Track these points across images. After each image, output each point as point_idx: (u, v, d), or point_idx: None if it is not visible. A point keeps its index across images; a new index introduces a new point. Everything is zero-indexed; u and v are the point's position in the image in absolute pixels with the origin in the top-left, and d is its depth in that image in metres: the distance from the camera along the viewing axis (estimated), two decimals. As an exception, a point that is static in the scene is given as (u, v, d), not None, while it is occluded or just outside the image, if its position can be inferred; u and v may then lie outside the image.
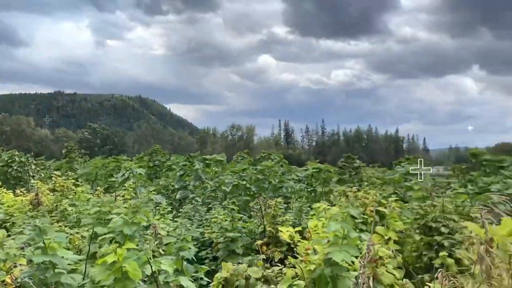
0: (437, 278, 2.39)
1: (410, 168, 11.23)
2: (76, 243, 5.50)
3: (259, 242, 6.49)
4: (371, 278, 3.35)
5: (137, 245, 3.14)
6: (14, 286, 3.52)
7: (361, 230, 5.51)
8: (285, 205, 8.73)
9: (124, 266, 2.79)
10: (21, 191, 9.70)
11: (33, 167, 15.39)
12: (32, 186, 11.62)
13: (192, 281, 3.02)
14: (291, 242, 3.58)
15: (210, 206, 10.91)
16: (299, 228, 3.65)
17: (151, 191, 10.09)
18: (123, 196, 8.96)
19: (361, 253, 3.12)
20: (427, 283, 3.43)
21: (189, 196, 12.94)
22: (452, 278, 2.29)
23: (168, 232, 4.03)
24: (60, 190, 9.49)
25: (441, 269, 2.41)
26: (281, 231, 3.62)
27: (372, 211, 5.83)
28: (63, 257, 3.50)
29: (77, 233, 5.75)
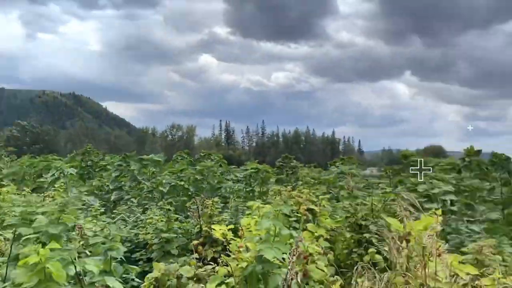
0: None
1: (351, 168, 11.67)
2: (-1, 245, 5.17)
3: (194, 242, 6.44)
4: (302, 275, 3.44)
5: (63, 246, 3.01)
6: None
7: (295, 228, 5.64)
8: (223, 205, 8.75)
9: (48, 267, 2.67)
10: None
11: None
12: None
13: (120, 282, 2.94)
14: (224, 240, 3.58)
15: (146, 207, 10.70)
16: (232, 226, 3.66)
17: (82, 192, 9.71)
18: (52, 197, 8.55)
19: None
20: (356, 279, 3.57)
21: (125, 197, 12.61)
22: (372, 272, 2.41)
23: (95, 232, 3.90)
24: (-18, 191, 8.87)
25: (361, 264, 2.52)
26: (214, 229, 3.61)
27: (305, 210, 5.99)
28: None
29: (0, 235, 5.42)
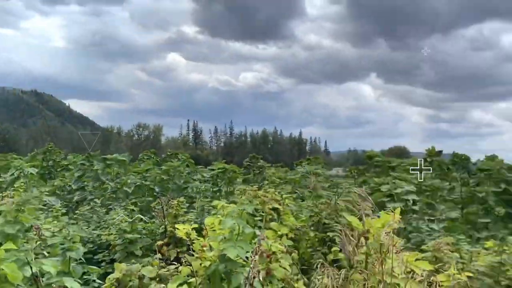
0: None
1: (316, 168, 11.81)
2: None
3: (159, 242, 6.36)
4: (265, 273, 3.46)
5: (19, 246, 2.92)
6: None
7: (260, 228, 5.67)
8: (188, 205, 8.68)
9: (2, 269, 2.58)
10: None
11: None
12: None
13: (79, 283, 2.88)
14: (188, 240, 3.56)
15: (110, 207, 10.51)
16: (196, 226, 3.64)
17: (43, 192, 9.43)
18: (11, 197, 8.26)
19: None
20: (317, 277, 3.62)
21: (88, 197, 12.34)
22: (332, 269, 2.46)
23: (53, 232, 3.80)
24: None
25: (320, 261, 2.57)
26: (177, 228, 3.58)
27: (270, 209, 6.03)
28: None
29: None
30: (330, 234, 5.74)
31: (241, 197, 6.94)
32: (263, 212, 6.14)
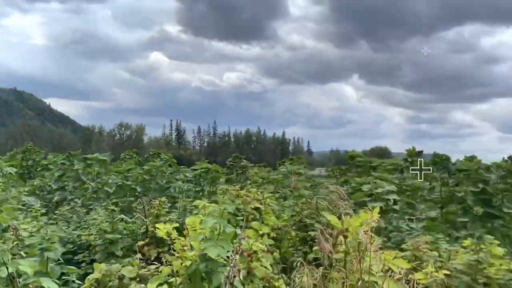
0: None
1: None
2: None
3: (140, 243, 6.32)
4: (246, 272, 3.47)
5: (-4, 248, 2.87)
6: None
7: (242, 227, 5.68)
8: (171, 205, 8.64)
9: (-23, 271, 2.54)
10: None
11: None
12: None
13: (57, 283, 2.84)
14: (168, 239, 3.54)
15: (90, 207, 10.40)
16: (177, 225, 3.63)
17: (22, 192, 9.27)
18: (-11, 197, 8.11)
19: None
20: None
21: (68, 197, 12.19)
22: (311, 268, 2.48)
23: (31, 233, 3.74)
24: None
25: (300, 260, 2.59)
26: (158, 228, 3.57)
27: (252, 209, 6.05)
28: None
29: None
30: (311, 233, 5.79)
31: (223, 197, 6.95)
32: (245, 212, 6.16)
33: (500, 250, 5.57)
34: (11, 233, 3.26)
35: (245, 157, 16.88)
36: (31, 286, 2.70)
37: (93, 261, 6.96)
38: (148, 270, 3.63)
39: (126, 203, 11.18)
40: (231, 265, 2.68)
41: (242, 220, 5.92)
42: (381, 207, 9.46)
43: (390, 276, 2.87)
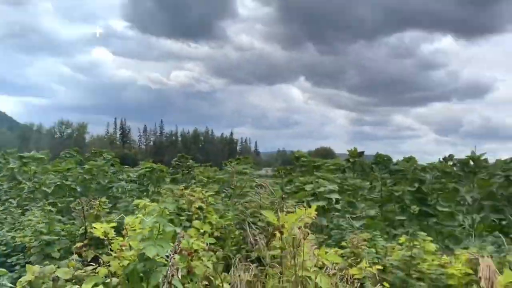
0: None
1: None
2: None
3: (78, 244, 6.10)
4: (186, 271, 3.45)
5: None
6: None
7: (185, 227, 5.63)
8: (112, 205, 8.42)
9: None
10: None
11: None
12: None
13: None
14: (106, 239, 3.45)
15: (26, 208, 9.92)
16: (115, 224, 3.54)
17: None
18: None
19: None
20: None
21: (2, 197, 11.56)
22: (248, 265, 2.52)
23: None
24: None
25: (238, 257, 2.61)
26: (95, 227, 3.47)
27: (197, 208, 6.01)
28: None
29: None
30: (254, 232, 5.84)
31: (166, 196, 6.85)
32: (189, 212, 6.11)
33: (432, 246, 5.87)
34: None
35: (192, 157, 16.74)
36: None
37: (28, 263, 6.64)
38: (84, 272, 3.51)
39: (65, 204, 10.77)
40: (170, 264, 2.66)
41: (187, 220, 5.87)
42: (323, 206, 9.73)
43: (326, 271, 2.95)
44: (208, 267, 3.45)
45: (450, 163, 13.62)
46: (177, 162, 15.04)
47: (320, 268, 2.81)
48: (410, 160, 14.20)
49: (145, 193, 13.15)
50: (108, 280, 3.06)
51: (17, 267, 6.67)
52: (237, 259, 2.51)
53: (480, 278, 3.07)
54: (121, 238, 3.50)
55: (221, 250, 5.41)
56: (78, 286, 3.17)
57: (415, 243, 5.75)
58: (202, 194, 6.52)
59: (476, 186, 11.54)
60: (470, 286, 4.75)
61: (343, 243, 6.27)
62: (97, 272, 3.35)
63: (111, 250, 3.41)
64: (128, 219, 3.47)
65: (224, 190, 11.10)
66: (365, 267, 3.19)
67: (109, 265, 3.34)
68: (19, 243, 7.05)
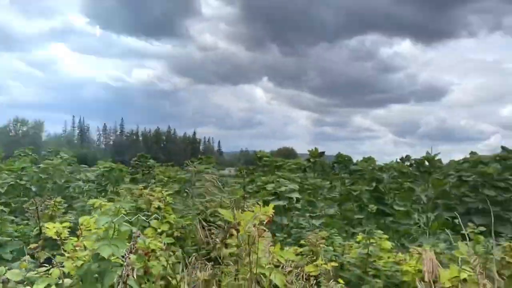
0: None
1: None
2: None
3: (32, 245, 5.91)
4: (143, 271, 3.41)
5: None
6: None
7: (144, 227, 5.56)
8: (68, 205, 8.19)
9: None
10: None
11: None
12: None
13: None
14: (58, 239, 3.37)
15: (-24, 209, 9.50)
16: (68, 224, 3.46)
17: None
18: None
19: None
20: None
21: (-50, 199, 11.02)
22: (204, 263, 2.52)
23: None
24: None
25: (195, 256, 2.62)
26: (47, 227, 3.38)
27: (156, 208, 5.94)
28: None
29: None
30: (214, 231, 5.83)
31: (124, 196, 6.74)
32: (148, 212, 6.03)
33: (388, 244, 6.03)
34: None
35: (152, 156, 16.53)
36: None
37: (-23, 267, 6.38)
38: (37, 273, 3.41)
39: (19, 204, 10.39)
40: (124, 264, 2.62)
41: (146, 220, 5.80)
42: (284, 205, 9.84)
43: (283, 269, 2.99)
44: (165, 267, 3.43)
45: (407, 163, 14.08)
46: (136, 162, 14.81)
47: (277, 266, 2.86)
48: (368, 160, 14.57)
49: (103, 193, 12.87)
50: (61, 281, 2.99)
51: (-35, 271, 6.40)
52: (193, 258, 2.50)
53: (424, 272, 3.20)
54: (75, 238, 3.43)
55: (181, 250, 5.38)
56: (29, 287, 3.08)
57: (372, 241, 5.89)
58: (161, 193, 6.46)
59: (431, 186, 11.97)
60: (423, 282, 4.94)
61: (302, 242, 6.36)
62: (50, 273, 3.26)
63: (65, 251, 3.33)
64: (83, 219, 3.40)
65: (186, 190, 11.00)
66: (321, 264, 3.26)
67: (62, 266, 3.27)
68: (-32, 245, 6.76)
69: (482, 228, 5.18)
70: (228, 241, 3.20)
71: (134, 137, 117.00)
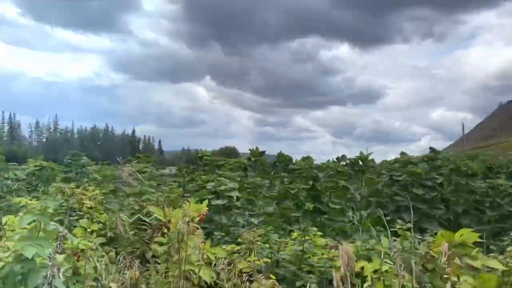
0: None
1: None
2: None
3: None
4: (72, 272, 3.30)
5: None
6: None
7: (75, 227, 5.37)
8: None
9: None
10: None
11: None
12: None
13: None
14: (-22, 241, 3.17)
15: None
16: (-10, 225, 3.28)
17: None
18: None
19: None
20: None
21: None
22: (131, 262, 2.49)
23: None
24: None
25: (123, 254, 2.58)
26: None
27: (88, 208, 5.76)
28: None
29: None
30: (149, 231, 5.73)
31: (55, 195, 6.47)
32: (80, 211, 5.83)
33: (322, 241, 6.23)
34: None
35: (88, 155, 15.93)
36: None
37: None
38: (-48, 278, 3.19)
39: None
40: (50, 264, 2.53)
41: (77, 219, 5.60)
42: (223, 204, 9.85)
43: (216, 266, 3.01)
44: (96, 268, 3.34)
45: (343, 163, 14.59)
46: (70, 160, 14.23)
47: (210, 263, 2.87)
48: (307, 159, 14.94)
49: (34, 193, 12.24)
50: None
51: None
52: (121, 256, 2.46)
53: (340, 264, 3.35)
54: (-3, 239, 3.25)
55: (114, 250, 5.25)
56: None
57: (307, 238, 6.05)
58: (95, 192, 6.27)
59: (364, 184, 12.48)
60: (356, 277, 5.14)
61: (240, 239, 6.41)
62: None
63: (-15, 253, 3.15)
64: (6, 218, 3.23)
65: (123, 190, 10.72)
66: (253, 260, 3.32)
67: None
68: None
69: (409, 225, 5.47)
70: (159, 239, 3.17)
71: (69, 134, 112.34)
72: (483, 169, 12.41)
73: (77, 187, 6.67)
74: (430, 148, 13.06)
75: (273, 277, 3.45)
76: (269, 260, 4.58)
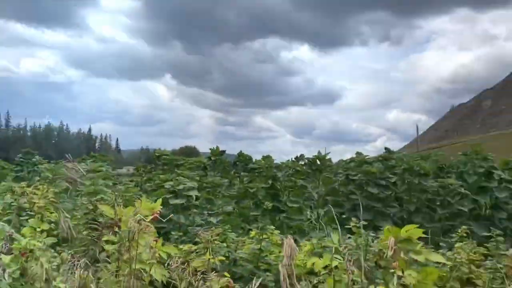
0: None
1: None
2: None
3: None
4: (19, 273, 3.20)
5: None
6: None
7: (25, 227, 5.20)
8: None
9: None
10: None
11: None
12: None
13: None
14: None
15: None
16: None
17: None
18: None
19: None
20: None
21: None
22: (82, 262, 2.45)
23: None
24: None
25: (71, 253, 2.53)
26: None
27: (39, 207, 5.59)
28: None
29: None
30: (105, 231, 5.62)
31: (5, 195, 6.25)
32: (31, 211, 5.65)
33: (278, 239, 6.29)
34: None
35: (41, 153, 15.42)
36: None
37: None
38: None
39: None
40: (-6, 265, 2.45)
41: (27, 220, 5.42)
42: (182, 203, 9.78)
43: (170, 265, 3.00)
44: (46, 268, 3.24)
45: (301, 162, 14.79)
46: (21, 159, 13.72)
47: (163, 262, 2.86)
48: (266, 158, 15.04)
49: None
50: None
51: None
52: (69, 255, 2.41)
53: (283, 256, 3.44)
54: None
55: (66, 250, 5.12)
56: None
57: (264, 236, 6.10)
58: (45, 191, 6.08)
59: (321, 183, 12.71)
60: (310, 274, 5.23)
61: (197, 239, 6.38)
62: None
63: None
64: None
65: (78, 188, 10.42)
66: (208, 259, 3.33)
67: None
68: None
69: (364, 223, 5.63)
70: (110, 237, 3.12)
71: (22, 132, 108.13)
72: (434, 169, 12.90)
73: (28, 186, 6.45)
74: (385, 148, 13.46)
75: (228, 275, 3.46)
76: (224, 258, 4.60)
